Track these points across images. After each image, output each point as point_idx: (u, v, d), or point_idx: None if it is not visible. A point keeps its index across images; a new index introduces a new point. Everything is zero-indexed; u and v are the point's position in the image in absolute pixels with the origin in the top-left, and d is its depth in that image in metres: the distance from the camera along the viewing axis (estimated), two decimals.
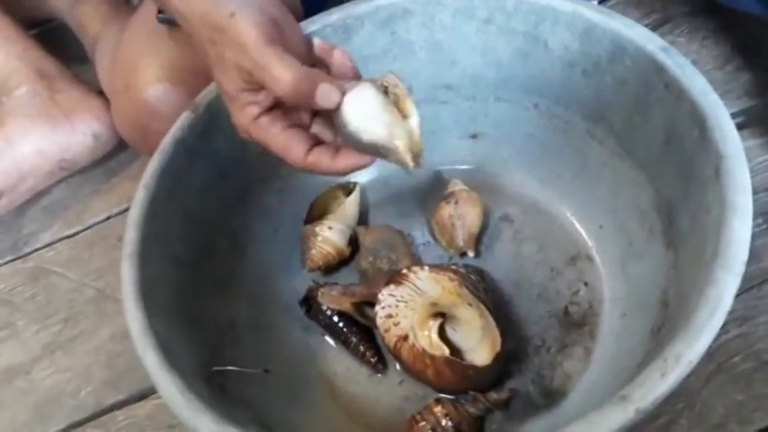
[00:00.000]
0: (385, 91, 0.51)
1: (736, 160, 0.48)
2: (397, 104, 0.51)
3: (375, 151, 0.51)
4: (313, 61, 0.53)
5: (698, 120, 0.51)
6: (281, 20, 0.51)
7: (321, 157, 0.51)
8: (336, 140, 0.53)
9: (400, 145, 0.50)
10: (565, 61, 0.62)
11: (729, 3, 0.73)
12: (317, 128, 0.53)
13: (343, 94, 0.49)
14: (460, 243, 0.67)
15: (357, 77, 0.53)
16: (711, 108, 0.51)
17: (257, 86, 0.50)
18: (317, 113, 0.53)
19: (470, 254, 0.67)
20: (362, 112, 0.49)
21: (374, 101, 0.49)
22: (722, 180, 0.47)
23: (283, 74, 0.47)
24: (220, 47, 0.49)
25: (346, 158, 0.51)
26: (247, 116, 0.51)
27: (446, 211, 0.67)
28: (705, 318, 0.42)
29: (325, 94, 0.48)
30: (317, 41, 0.53)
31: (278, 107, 0.52)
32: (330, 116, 0.52)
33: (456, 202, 0.67)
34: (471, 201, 0.68)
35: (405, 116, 0.51)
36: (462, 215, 0.67)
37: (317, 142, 0.52)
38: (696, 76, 0.53)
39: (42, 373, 0.74)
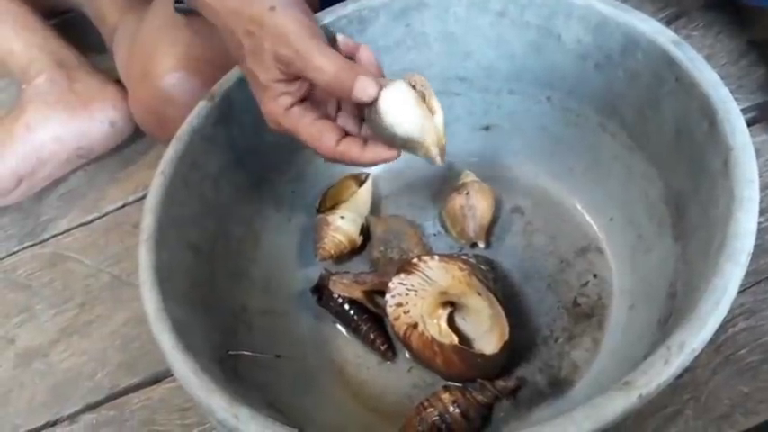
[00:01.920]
0: (413, 89, 0.53)
1: (744, 152, 0.48)
2: (424, 102, 0.53)
3: (404, 145, 0.53)
4: None
5: (708, 113, 0.52)
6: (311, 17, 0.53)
7: (351, 148, 0.53)
8: (361, 132, 0.55)
9: (429, 140, 0.53)
10: (577, 54, 0.62)
11: None
12: (343, 120, 0.55)
13: (380, 89, 0.51)
14: (471, 234, 0.68)
15: (381, 75, 0.54)
16: (721, 101, 0.51)
17: (292, 77, 0.52)
18: (340, 107, 0.55)
19: (481, 245, 0.68)
20: (398, 107, 0.51)
21: (409, 97, 0.52)
22: (730, 172, 0.48)
23: (326, 64, 0.49)
24: (258, 38, 0.51)
25: (375, 150, 0.53)
26: (280, 106, 0.53)
27: (458, 202, 0.68)
28: (709, 307, 0.42)
29: (364, 87, 0.50)
30: (340, 38, 0.55)
31: (308, 99, 0.54)
32: (357, 109, 0.54)
33: (467, 194, 0.68)
34: (483, 192, 0.68)
35: (432, 113, 0.53)
36: (473, 206, 0.68)
37: (345, 133, 0.54)
38: (707, 69, 0.53)
39: (60, 355, 0.76)
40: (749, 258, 0.45)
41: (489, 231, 0.69)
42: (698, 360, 0.58)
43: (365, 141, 0.54)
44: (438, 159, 0.54)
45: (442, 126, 0.54)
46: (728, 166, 0.48)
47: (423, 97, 0.53)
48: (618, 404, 0.40)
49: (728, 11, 0.83)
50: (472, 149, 0.73)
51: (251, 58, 0.52)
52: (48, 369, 0.75)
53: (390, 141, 0.53)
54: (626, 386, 0.40)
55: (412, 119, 0.51)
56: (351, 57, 0.54)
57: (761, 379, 0.59)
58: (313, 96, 0.54)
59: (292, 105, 0.53)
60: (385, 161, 0.54)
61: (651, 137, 0.60)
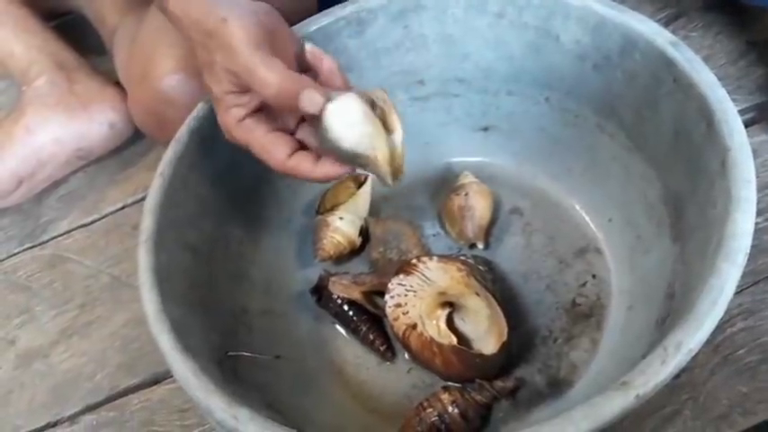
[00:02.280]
0: (372, 105, 0.52)
1: (742, 153, 0.48)
2: (383, 119, 0.52)
3: (354, 161, 0.51)
4: (305, 66, 0.54)
5: (706, 114, 0.52)
6: (272, 26, 0.52)
7: (302, 162, 0.52)
8: (320, 148, 0.53)
9: (379, 156, 0.51)
10: (576, 55, 0.63)
11: None
12: (303, 134, 0.54)
13: (328, 101, 0.50)
14: (470, 234, 0.68)
15: (345, 86, 0.53)
16: (719, 102, 0.51)
17: (244, 89, 0.51)
18: (303, 120, 0.54)
19: (480, 245, 0.68)
20: (344, 120, 0.50)
21: (357, 110, 0.50)
22: (727, 173, 0.48)
23: (269, 77, 0.48)
24: (211, 50, 0.50)
25: (326, 166, 0.52)
26: (233, 118, 0.52)
27: (456, 202, 0.68)
28: (706, 307, 0.42)
29: (310, 99, 0.49)
30: (308, 47, 0.54)
31: (263, 110, 0.53)
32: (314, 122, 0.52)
33: (466, 194, 0.68)
34: (481, 193, 0.69)
35: (390, 131, 0.52)
36: (472, 207, 0.68)
37: (300, 147, 0.53)
38: (704, 70, 0.53)
39: (60, 356, 0.76)
40: (746, 258, 0.45)
41: (488, 232, 0.69)
42: (696, 360, 0.58)
43: (319, 157, 0.53)
44: (389, 179, 0.52)
45: (401, 146, 0.52)
46: (726, 167, 0.48)
47: (383, 114, 0.51)
48: (615, 404, 0.40)
49: (728, 11, 0.83)
50: (471, 150, 0.73)
51: (205, 70, 0.52)
52: (48, 370, 0.75)
53: (338, 156, 0.51)
54: (623, 386, 0.40)
55: (357, 133, 0.50)
56: (316, 67, 0.53)
57: (759, 379, 0.59)
58: (269, 108, 0.53)
59: (244, 117, 0.52)
60: (336, 178, 0.53)
61: (649, 137, 0.60)
